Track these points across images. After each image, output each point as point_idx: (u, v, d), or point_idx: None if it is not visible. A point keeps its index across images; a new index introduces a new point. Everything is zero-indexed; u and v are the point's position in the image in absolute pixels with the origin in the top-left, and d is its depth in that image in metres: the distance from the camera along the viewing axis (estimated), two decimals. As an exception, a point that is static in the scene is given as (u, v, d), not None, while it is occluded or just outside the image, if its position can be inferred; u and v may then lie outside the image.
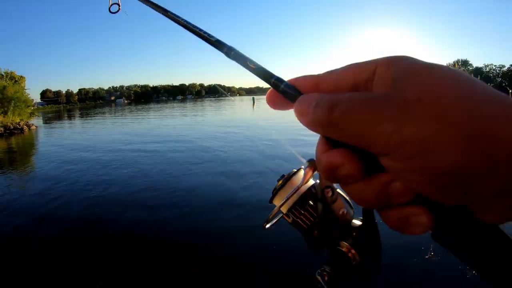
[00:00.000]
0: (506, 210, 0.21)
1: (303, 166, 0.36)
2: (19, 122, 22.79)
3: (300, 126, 0.25)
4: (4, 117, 22.79)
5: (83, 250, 3.77)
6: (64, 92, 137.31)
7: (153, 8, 0.44)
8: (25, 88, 30.37)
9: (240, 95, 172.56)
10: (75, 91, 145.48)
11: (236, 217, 4.40)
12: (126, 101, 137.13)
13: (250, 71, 0.30)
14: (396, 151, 0.20)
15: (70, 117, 39.68)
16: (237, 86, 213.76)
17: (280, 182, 0.41)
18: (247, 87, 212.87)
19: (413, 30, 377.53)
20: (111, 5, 0.60)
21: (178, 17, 0.38)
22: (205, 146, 10.27)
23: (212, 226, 4.21)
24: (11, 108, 24.12)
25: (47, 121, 32.23)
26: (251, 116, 23.71)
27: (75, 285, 3.12)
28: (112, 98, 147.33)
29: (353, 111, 0.22)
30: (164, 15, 0.41)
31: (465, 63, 77.90)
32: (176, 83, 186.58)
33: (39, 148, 13.68)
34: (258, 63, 0.31)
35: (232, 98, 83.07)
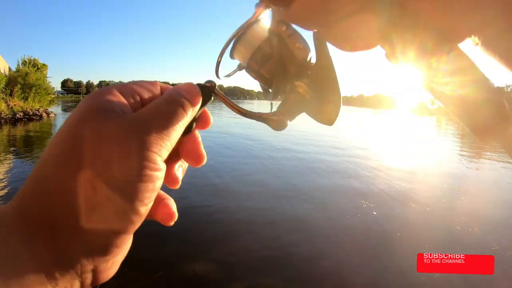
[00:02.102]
0: None
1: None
2: (39, 108, 22.60)
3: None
4: (24, 102, 23.09)
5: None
6: (84, 83, 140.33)
7: None
8: (47, 76, 30.97)
9: (258, 99, 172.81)
10: (95, 83, 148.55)
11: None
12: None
13: None
14: None
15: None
16: (256, 90, 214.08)
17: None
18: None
19: None
20: None
21: None
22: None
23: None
24: (32, 94, 24.43)
25: (66, 109, 32.83)
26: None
27: None
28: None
29: None
30: None
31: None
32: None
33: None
34: None
35: (255, 100, 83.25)
